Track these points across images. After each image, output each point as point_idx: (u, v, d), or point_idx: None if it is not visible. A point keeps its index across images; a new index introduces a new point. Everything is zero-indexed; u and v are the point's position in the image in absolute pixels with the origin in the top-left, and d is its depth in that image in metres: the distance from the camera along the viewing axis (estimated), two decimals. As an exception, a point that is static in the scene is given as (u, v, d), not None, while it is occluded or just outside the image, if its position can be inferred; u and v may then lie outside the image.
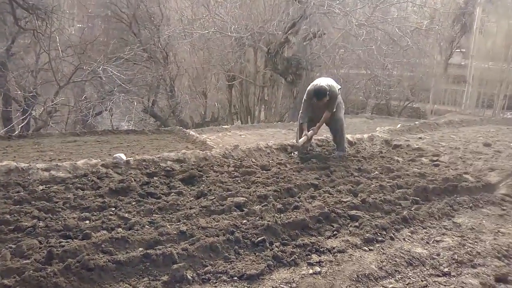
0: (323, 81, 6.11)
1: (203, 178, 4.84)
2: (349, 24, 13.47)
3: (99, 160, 4.98)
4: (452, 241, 3.66)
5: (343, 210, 4.10)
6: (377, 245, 3.52)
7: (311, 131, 6.19)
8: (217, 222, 3.71)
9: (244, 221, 3.75)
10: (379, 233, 3.69)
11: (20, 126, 13.84)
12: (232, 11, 15.27)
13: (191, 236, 3.42)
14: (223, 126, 13.95)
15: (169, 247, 3.21)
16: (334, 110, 6.15)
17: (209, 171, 5.09)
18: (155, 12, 17.46)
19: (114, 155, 5.19)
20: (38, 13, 9.48)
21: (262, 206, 4.09)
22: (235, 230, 3.56)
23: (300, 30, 14.78)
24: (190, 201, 4.23)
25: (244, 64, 17.40)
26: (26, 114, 14.09)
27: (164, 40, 17.40)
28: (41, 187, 4.30)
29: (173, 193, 4.36)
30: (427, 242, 3.62)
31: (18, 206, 3.87)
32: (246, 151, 5.87)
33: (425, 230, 3.86)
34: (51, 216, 3.71)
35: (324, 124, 6.27)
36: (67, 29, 15.65)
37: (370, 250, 3.42)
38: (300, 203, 4.21)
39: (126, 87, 14.76)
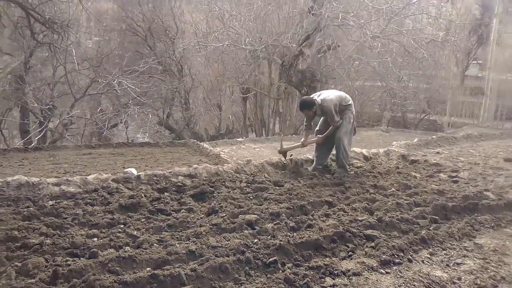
0: (324, 94, 6.03)
1: (215, 194, 4.75)
2: (364, 36, 13.37)
3: (110, 175, 4.93)
4: (474, 264, 3.48)
5: (359, 229, 3.95)
6: (394, 267, 3.36)
7: (316, 138, 6.14)
8: (227, 241, 3.60)
9: (256, 240, 3.63)
10: (396, 255, 3.53)
11: (36, 138, 13.99)
12: (246, 24, 15.31)
13: (200, 256, 3.31)
14: (237, 139, 13.89)
15: (177, 268, 3.11)
16: (336, 123, 5.97)
17: (220, 187, 4.99)
18: (170, 26, 17.64)
19: (125, 170, 5.13)
20: (54, 27, 9.59)
21: (274, 224, 3.97)
22: (246, 249, 3.44)
23: (315, 43, 14.72)
24: (201, 218, 4.13)
25: (258, 76, 17.41)
26: (43, 127, 14.24)
27: (179, 53, 17.54)
28: (50, 203, 4.25)
29: (183, 210, 4.27)
30: (447, 265, 3.45)
31: (27, 222, 3.81)
32: (259, 166, 5.76)
33: (444, 252, 3.69)
34: (59, 232, 3.64)
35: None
36: (83, 43, 15.84)
37: (387, 273, 3.26)
38: (314, 221, 4.08)
39: (141, 99, 14.86)
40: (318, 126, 6.31)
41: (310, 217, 4.22)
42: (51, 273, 2.93)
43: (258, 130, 18.62)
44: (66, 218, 3.93)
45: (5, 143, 15.04)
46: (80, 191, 4.55)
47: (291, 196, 4.79)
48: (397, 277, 3.20)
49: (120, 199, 4.39)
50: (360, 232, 3.91)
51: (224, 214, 4.19)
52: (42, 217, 3.92)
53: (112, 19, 18.16)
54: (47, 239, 3.46)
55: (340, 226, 3.93)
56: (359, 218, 4.19)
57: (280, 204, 4.50)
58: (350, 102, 6.12)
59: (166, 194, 4.70)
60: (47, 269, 3.02)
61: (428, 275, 3.25)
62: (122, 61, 15.18)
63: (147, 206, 4.28)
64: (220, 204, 4.48)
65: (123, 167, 10.12)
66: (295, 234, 3.79)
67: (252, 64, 16.28)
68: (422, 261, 3.49)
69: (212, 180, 5.17)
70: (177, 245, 3.46)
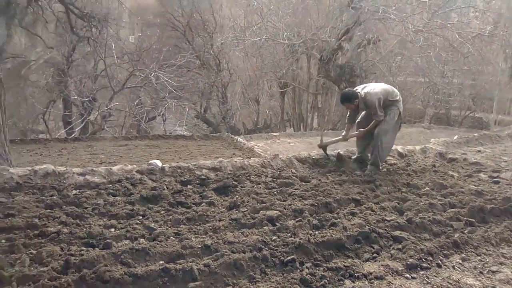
0: (369, 87, 5.73)
1: (238, 188, 4.63)
2: (406, 30, 12.85)
3: (135, 166, 4.92)
4: (511, 272, 3.19)
5: (386, 230, 3.73)
6: (421, 272, 3.13)
7: (358, 132, 5.89)
8: (245, 237, 3.48)
9: (275, 237, 3.49)
10: (425, 259, 3.29)
11: (77, 130, 14.41)
12: (285, 18, 15.10)
13: (215, 251, 3.21)
14: (273, 134, 13.77)
15: (191, 262, 3.02)
16: (379, 118, 5.67)
17: (245, 181, 4.87)
18: (208, 20, 17.68)
19: (149, 162, 5.11)
20: (92, 21, 9.79)
21: (296, 222, 3.80)
22: (263, 246, 3.31)
23: (354, 37, 14.33)
24: (221, 212, 4.03)
25: (296, 71, 17.18)
26: (82, 118, 14.67)
27: (217, 48, 17.58)
28: (74, 192, 4.28)
29: (204, 203, 4.18)
30: (481, 272, 3.18)
31: (48, 210, 3.84)
32: (287, 161, 5.59)
33: (479, 258, 3.41)
34: (78, 222, 3.64)
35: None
36: (125, 38, 16.17)
37: (412, 278, 3.04)
38: (338, 220, 3.88)
39: (178, 93, 15.00)
40: (359, 118, 6.02)
41: (335, 215, 4.03)
42: (63, 262, 2.91)
43: (296, 125, 18.41)
44: (87, 208, 3.93)
45: (49, 133, 15.58)
46: (104, 182, 4.56)
47: (317, 193, 4.60)
48: (424, 283, 2.98)
49: (142, 191, 4.36)
50: (387, 233, 3.69)
51: (245, 209, 4.07)
52: (64, 206, 3.94)
53: (152, 14, 18.43)
54: (65, 228, 3.46)
55: (366, 226, 3.72)
56: (387, 218, 3.96)
57: (304, 201, 4.32)
58: (397, 98, 5.76)
59: (189, 187, 4.63)
60: (60, 258, 3.01)
61: (458, 282, 3.00)
62: (160, 55, 15.35)
63: (168, 199, 4.22)
64: (242, 198, 4.36)
65: (157, 159, 10.26)
66: (317, 232, 3.63)
67: (290, 58, 16.07)
68: (453, 267, 3.23)
69: (237, 174, 5.05)
70: (193, 239, 3.37)
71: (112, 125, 15.41)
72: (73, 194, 4.19)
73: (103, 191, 4.33)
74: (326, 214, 4.03)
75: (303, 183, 4.97)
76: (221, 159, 5.29)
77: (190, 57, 16.53)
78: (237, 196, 4.46)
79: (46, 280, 2.72)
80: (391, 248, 3.48)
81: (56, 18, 12.05)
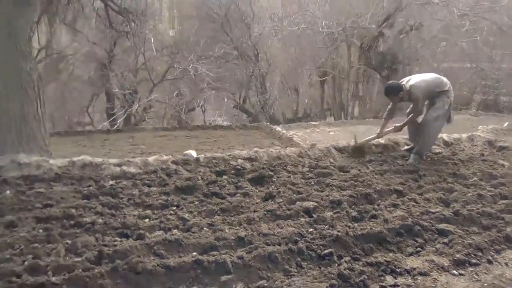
0: (415, 79, 5.41)
1: (274, 179, 4.51)
2: (450, 14, 12.23)
3: (170, 157, 4.89)
4: None
5: (430, 222, 3.51)
6: (470, 269, 2.91)
7: (393, 128, 5.57)
8: (280, 228, 3.36)
9: (311, 229, 3.35)
10: (474, 254, 3.07)
11: (119, 121, 14.74)
12: (323, 6, 14.77)
13: (249, 243, 3.11)
14: (312, 123, 13.52)
15: (224, 254, 2.94)
16: (418, 113, 5.39)
17: (281, 171, 4.74)
18: (246, 11, 17.56)
19: (185, 152, 5.07)
20: (129, 16, 9.90)
21: (334, 213, 3.65)
22: (299, 239, 3.18)
23: (396, 23, 13.83)
24: (256, 203, 3.92)
25: (336, 59, 16.81)
26: (124, 110, 14.98)
27: (255, 38, 17.46)
28: (110, 182, 4.29)
29: (239, 194, 4.09)
30: (537, 270, 2.92)
31: (85, 200, 3.87)
32: (324, 150, 5.41)
33: (534, 254, 3.14)
34: (113, 212, 3.64)
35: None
36: (164, 31, 16.36)
37: (460, 275, 2.82)
38: (379, 211, 3.70)
39: (216, 84, 15.04)
40: (408, 109, 5.74)
41: (376, 206, 3.84)
42: (97, 252, 2.90)
43: (336, 114, 18.06)
44: (122, 198, 3.93)
45: (93, 125, 16.02)
46: (140, 172, 4.56)
47: (356, 183, 4.41)
48: (473, 281, 2.76)
49: (177, 181, 4.32)
50: (432, 226, 3.47)
51: (281, 200, 3.96)
52: (100, 197, 3.96)
53: (190, 7, 18.53)
54: (100, 218, 3.46)
55: (409, 218, 3.52)
56: (432, 210, 3.73)
57: (343, 192, 4.15)
58: (446, 88, 5.41)
59: (224, 177, 4.55)
60: (94, 248, 3.00)
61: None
62: (199, 47, 15.40)
63: (203, 189, 4.16)
64: (278, 189, 4.24)
65: (196, 149, 10.32)
66: (356, 224, 3.46)
67: (329, 47, 15.73)
68: (506, 264, 2.99)
69: (273, 164, 4.93)
70: (227, 231, 3.30)
71: (152, 117, 15.66)
72: (109, 185, 4.21)
73: (138, 181, 4.33)
74: (366, 206, 3.85)
75: (342, 173, 4.78)
76: (256, 149, 5.19)
77: (228, 48, 16.48)
78: (272, 186, 4.34)
79: (80, 270, 2.72)
80: (436, 242, 3.27)
81: (96, 14, 12.32)
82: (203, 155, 4.96)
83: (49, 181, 4.30)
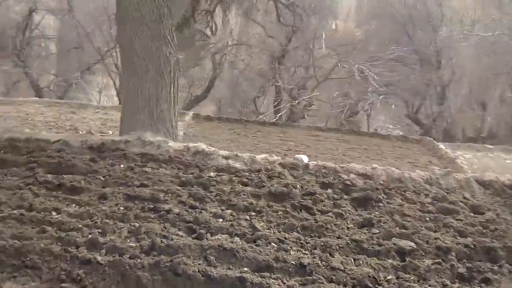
0: None
1: (382, 204, 3.86)
2: None
3: (279, 158, 4.64)
4: None
5: None
6: None
7: None
8: (356, 266, 2.83)
9: (392, 277, 2.73)
10: None
11: (278, 115, 15.12)
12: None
13: (309, 274, 2.68)
14: (486, 145, 11.67)
15: (274, 279, 2.59)
16: None
17: (395, 197, 4.03)
18: (433, 12, 16.01)
19: (295, 156, 4.76)
20: (297, 10, 9.91)
21: (433, 263, 2.91)
22: (372, 285, 2.61)
23: None
24: (346, 228, 3.39)
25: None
26: (288, 105, 15.30)
27: (440, 42, 15.84)
28: (211, 174, 4.27)
29: (331, 213, 3.60)
30: None
31: (179, 187, 3.91)
32: (462, 181, 4.44)
33: None
34: (196, 204, 3.57)
35: None
36: (332, 27, 16.10)
37: None
38: (497, 276, 2.81)
39: (385, 89, 14.18)
40: None
41: (495, 268, 2.93)
42: (150, 242, 2.86)
43: (524, 140, 15.25)
44: (212, 192, 3.84)
45: (257, 115, 16.76)
46: (244, 169, 4.43)
47: (484, 231, 3.45)
48: None
49: (274, 185, 4.04)
50: None
51: (377, 231, 3.35)
52: (195, 186, 3.95)
53: (371, 5, 17.81)
54: (177, 208, 3.43)
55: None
56: None
57: (459, 238, 3.29)
58: None
59: (328, 190, 4.10)
60: (154, 237, 2.96)
61: None
62: (372, 47, 14.68)
63: (295, 199, 3.79)
64: (381, 217, 3.60)
65: (343, 155, 9.92)
66: (456, 285, 2.69)
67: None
68: None
69: (390, 186, 4.23)
70: (292, 252, 2.90)
71: (312, 115, 15.61)
72: (208, 176, 4.18)
73: (237, 178, 4.20)
74: (483, 264, 2.97)
75: (472, 215, 3.81)
76: (375, 165, 4.54)
77: (405, 51, 15.31)
78: (376, 213, 3.72)
79: (127, 256, 2.71)
80: None
81: (276, 8, 12.75)
82: (313, 162, 4.57)
83: (160, 162, 4.51)
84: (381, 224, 3.48)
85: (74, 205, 3.49)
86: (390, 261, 2.93)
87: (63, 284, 2.49)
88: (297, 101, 14.36)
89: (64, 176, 3.93)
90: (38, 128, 9.30)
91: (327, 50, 14.22)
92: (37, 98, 13.03)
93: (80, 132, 9.08)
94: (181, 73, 5.36)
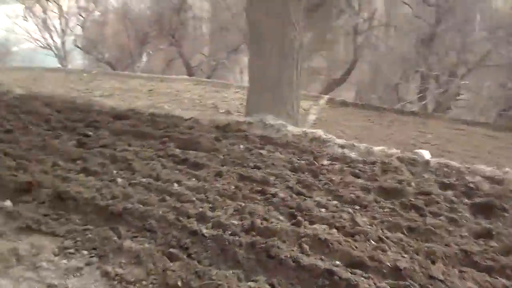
0: None
1: (507, 214, 3.43)
2: None
3: (398, 151, 4.42)
4: None
5: None
6: None
7: None
8: (459, 278, 2.61)
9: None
10: None
11: (422, 103, 14.13)
12: None
13: (402, 279, 2.58)
14: None
15: (365, 278, 2.56)
16: None
17: (525, 207, 3.55)
18: None
19: (415, 151, 4.46)
20: None
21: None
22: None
23: None
24: (459, 236, 3.11)
25: None
26: (434, 93, 14.20)
27: None
28: (325, 162, 4.27)
29: (444, 217, 3.34)
30: None
31: (290, 172, 4.01)
32: None
33: None
34: (302, 191, 3.64)
35: None
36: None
37: None
38: None
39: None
40: None
41: None
42: (251, 223, 3.02)
43: None
44: (321, 181, 3.84)
45: (400, 104, 15.90)
46: (358, 159, 4.33)
47: None
48: None
49: (388, 181, 3.88)
50: None
51: (495, 244, 3.01)
52: (305, 173, 4.01)
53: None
54: (283, 193, 3.53)
55: None
56: None
57: None
58: None
59: (447, 192, 3.79)
60: (257, 217, 3.11)
61: None
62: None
63: (407, 198, 3.59)
64: (503, 229, 3.22)
65: (488, 153, 9.00)
66: None
67: None
68: None
69: (523, 195, 3.73)
70: (390, 254, 2.80)
71: (459, 105, 14.21)
72: (321, 164, 4.20)
73: (349, 169, 4.13)
74: None
75: None
76: (508, 169, 4.03)
77: None
78: (498, 223, 3.32)
79: (228, 233, 2.92)
80: None
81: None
82: (436, 160, 4.24)
83: (277, 146, 4.66)
84: (502, 237, 3.11)
85: (194, 179, 3.84)
86: (503, 280, 2.64)
87: (171, 249, 2.81)
88: (443, 90, 13.19)
89: (190, 151, 4.35)
90: (185, 104, 10.31)
91: (482, 32, 12.69)
92: (187, 76, 14.34)
93: (220, 111, 9.81)
94: (307, 56, 5.39)
